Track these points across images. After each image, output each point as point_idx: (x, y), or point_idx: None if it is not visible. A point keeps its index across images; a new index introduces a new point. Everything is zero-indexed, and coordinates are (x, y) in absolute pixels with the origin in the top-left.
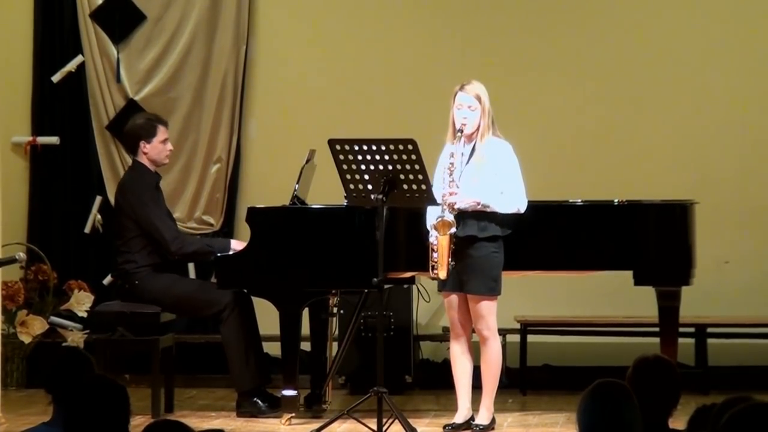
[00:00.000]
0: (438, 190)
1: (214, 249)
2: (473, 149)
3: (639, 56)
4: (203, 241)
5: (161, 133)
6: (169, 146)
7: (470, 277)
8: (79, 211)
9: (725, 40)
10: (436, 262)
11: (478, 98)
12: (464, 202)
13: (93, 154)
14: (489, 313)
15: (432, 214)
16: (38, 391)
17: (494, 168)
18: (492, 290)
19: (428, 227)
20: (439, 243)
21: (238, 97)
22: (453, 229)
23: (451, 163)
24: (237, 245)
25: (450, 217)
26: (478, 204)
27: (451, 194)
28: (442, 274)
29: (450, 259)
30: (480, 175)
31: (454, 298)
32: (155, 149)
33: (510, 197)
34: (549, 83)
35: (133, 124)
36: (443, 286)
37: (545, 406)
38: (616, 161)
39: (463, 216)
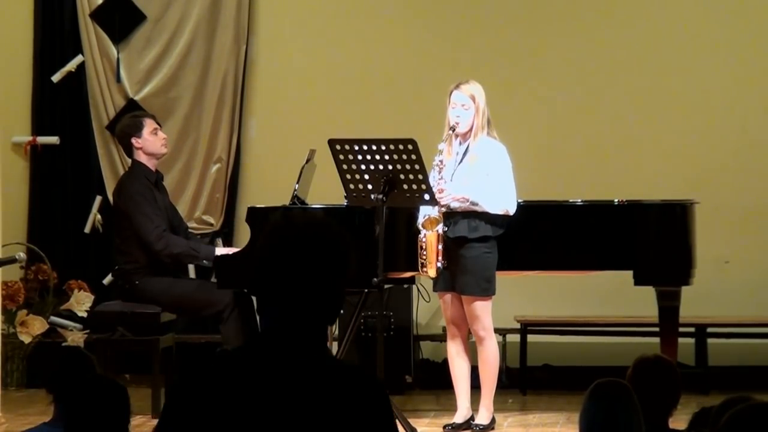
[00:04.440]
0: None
1: (199, 254)
2: (467, 149)
3: (639, 56)
4: (190, 244)
5: (148, 124)
6: (162, 135)
7: (463, 278)
8: (79, 211)
9: (725, 40)
10: (425, 260)
11: (473, 98)
12: (453, 198)
13: (93, 154)
14: (484, 314)
15: (422, 213)
16: (38, 391)
17: (486, 168)
18: (485, 291)
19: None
20: (428, 240)
21: (238, 97)
22: (440, 226)
23: (440, 160)
24: (222, 251)
25: (435, 213)
26: (467, 200)
27: (440, 191)
28: (431, 271)
29: (440, 258)
30: (471, 174)
31: (448, 297)
32: (147, 141)
33: (499, 198)
34: (549, 83)
35: (119, 126)
36: (437, 285)
37: (545, 406)
38: (616, 161)
39: (453, 216)
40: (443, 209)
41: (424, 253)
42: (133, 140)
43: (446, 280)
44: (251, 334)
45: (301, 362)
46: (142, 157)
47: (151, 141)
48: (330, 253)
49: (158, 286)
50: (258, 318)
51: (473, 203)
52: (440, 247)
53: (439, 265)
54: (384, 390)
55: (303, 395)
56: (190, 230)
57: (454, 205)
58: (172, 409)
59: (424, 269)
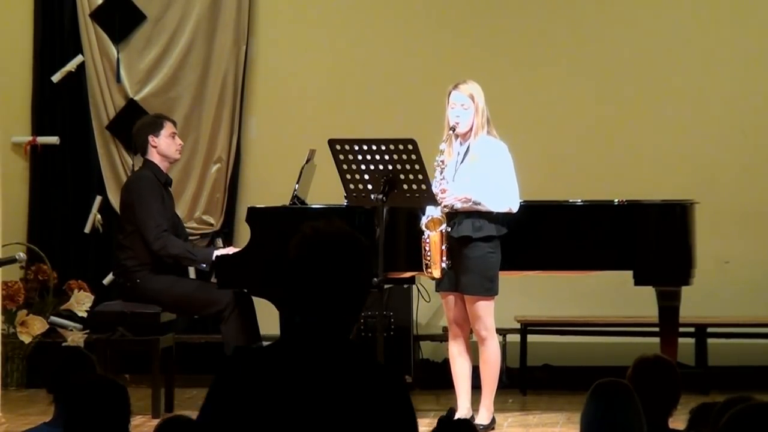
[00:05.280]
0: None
1: (196, 258)
2: (468, 148)
3: (639, 56)
4: (187, 247)
5: (168, 127)
6: (179, 141)
7: (466, 277)
8: (79, 211)
9: (725, 40)
10: (429, 260)
11: (472, 97)
12: (456, 199)
13: (93, 154)
14: (486, 314)
15: (426, 213)
16: (38, 391)
17: (487, 167)
18: (488, 291)
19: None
20: (431, 240)
21: (238, 97)
22: (443, 226)
23: (442, 161)
24: (221, 252)
25: (438, 214)
26: (469, 200)
27: (442, 191)
28: (436, 272)
29: (444, 258)
30: (473, 173)
31: (451, 297)
32: (164, 142)
33: (502, 196)
34: (549, 83)
35: (140, 122)
36: (440, 285)
37: (545, 406)
38: (617, 161)
39: (457, 216)
40: (446, 209)
41: (429, 253)
42: (150, 138)
43: (449, 281)
44: (282, 334)
45: (331, 355)
46: (155, 157)
47: (167, 143)
48: (357, 259)
49: (159, 285)
50: (279, 318)
51: (476, 203)
52: (444, 247)
53: (443, 265)
54: (404, 383)
55: (332, 384)
56: (189, 231)
57: (457, 205)
58: (217, 395)
59: (429, 270)
